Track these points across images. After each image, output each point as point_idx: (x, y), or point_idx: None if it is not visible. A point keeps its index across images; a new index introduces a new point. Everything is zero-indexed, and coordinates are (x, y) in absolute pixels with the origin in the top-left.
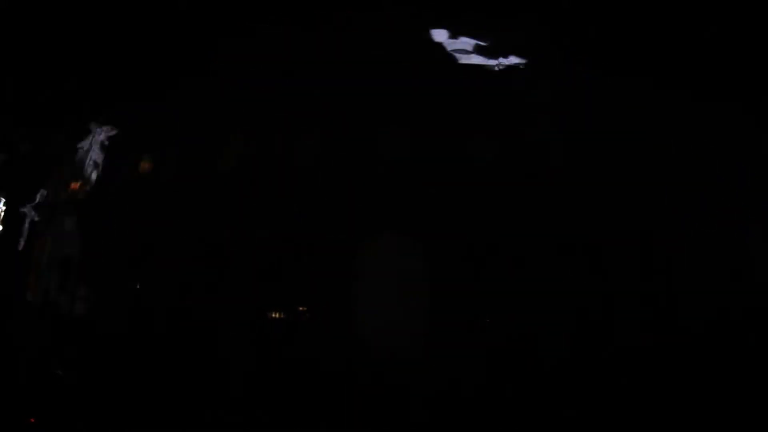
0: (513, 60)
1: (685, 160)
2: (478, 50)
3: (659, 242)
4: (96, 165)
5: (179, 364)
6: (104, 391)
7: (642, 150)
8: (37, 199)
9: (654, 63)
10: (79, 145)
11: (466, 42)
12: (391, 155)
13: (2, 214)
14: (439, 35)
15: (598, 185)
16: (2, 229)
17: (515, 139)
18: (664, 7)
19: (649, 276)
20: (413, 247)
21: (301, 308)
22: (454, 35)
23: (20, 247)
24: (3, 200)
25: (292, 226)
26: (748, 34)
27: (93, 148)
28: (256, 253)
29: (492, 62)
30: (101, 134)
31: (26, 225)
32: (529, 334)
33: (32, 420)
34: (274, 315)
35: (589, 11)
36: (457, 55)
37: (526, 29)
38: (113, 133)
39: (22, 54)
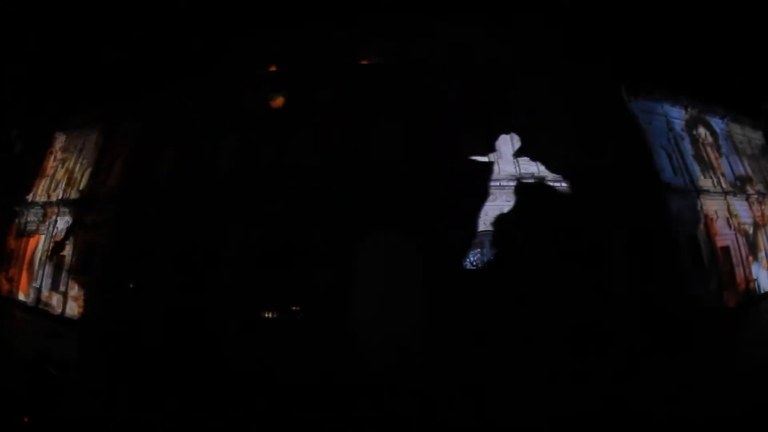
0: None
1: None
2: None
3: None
4: (89, 165)
5: (175, 362)
6: (99, 390)
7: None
8: (30, 198)
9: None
10: (74, 146)
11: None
12: (388, 156)
13: None
14: (441, 35)
15: (599, 185)
16: None
17: (514, 139)
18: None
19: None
20: (409, 246)
21: (294, 308)
22: (457, 35)
23: (13, 246)
24: None
25: (288, 226)
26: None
27: (87, 148)
28: (252, 253)
29: None
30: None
31: (18, 223)
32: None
33: (26, 419)
34: (268, 315)
35: (589, 12)
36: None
37: (532, 29)
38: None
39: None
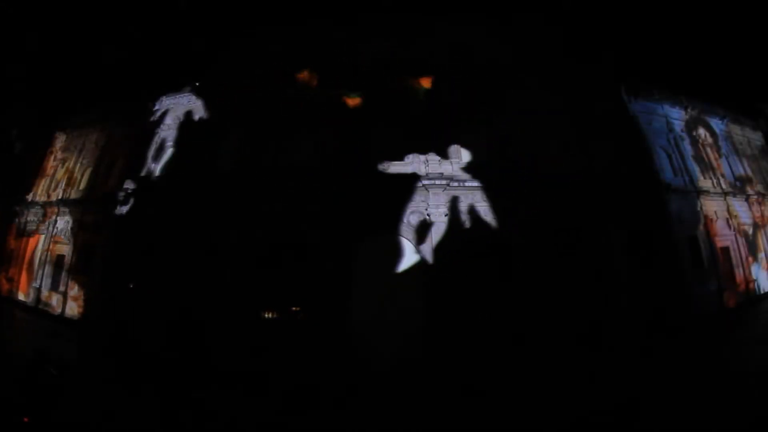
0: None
1: None
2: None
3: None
4: (88, 165)
5: (174, 362)
6: (99, 391)
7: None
8: (30, 198)
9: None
10: (74, 145)
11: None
12: (388, 156)
13: None
14: (441, 35)
15: (599, 185)
16: None
17: (511, 140)
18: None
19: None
20: (407, 247)
21: (294, 308)
22: (457, 36)
23: (13, 245)
24: None
25: (288, 227)
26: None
27: (87, 147)
28: (253, 253)
29: None
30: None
31: (18, 223)
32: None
33: (26, 419)
34: (268, 315)
35: (589, 12)
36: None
37: (532, 29)
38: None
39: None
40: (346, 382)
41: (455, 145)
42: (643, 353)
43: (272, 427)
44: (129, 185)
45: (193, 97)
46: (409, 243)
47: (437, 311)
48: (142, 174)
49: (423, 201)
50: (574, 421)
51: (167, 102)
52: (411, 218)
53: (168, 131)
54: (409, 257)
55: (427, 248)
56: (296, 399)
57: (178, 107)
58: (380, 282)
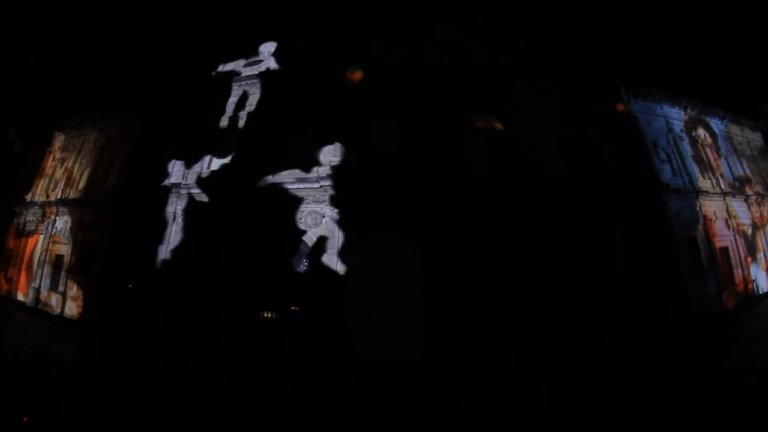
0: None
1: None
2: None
3: None
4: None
5: (174, 361)
6: (99, 390)
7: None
8: (29, 198)
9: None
10: (73, 145)
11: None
12: (386, 155)
13: None
14: (441, 35)
15: (599, 185)
16: None
17: (509, 141)
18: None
19: None
20: (408, 245)
21: (293, 308)
22: (457, 37)
23: (12, 245)
24: None
25: (288, 226)
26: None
27: (86, 147)
28: (252, 252)
29: None
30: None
31: (17, 223)
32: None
33: (24, 419)
34: (267, 315)
35: (589, 13)
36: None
37: (532, 30)
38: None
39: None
40: (345, 380)
41: (456, 146)
42: (642, 353)
43: (274, 425)
44: (128, 185)
45: (193, 97)
46: (409, 241)
47: (436, 310)
48: (141, 173)
49: (424, 200)
50: (572, 420)
51: (167, 102)
52: (411, 217)
53: (167, 131)
54: (409, 256)
55: (427, 247)
56: (296, 398)
57: (178, 107)
58: (380, 281)
